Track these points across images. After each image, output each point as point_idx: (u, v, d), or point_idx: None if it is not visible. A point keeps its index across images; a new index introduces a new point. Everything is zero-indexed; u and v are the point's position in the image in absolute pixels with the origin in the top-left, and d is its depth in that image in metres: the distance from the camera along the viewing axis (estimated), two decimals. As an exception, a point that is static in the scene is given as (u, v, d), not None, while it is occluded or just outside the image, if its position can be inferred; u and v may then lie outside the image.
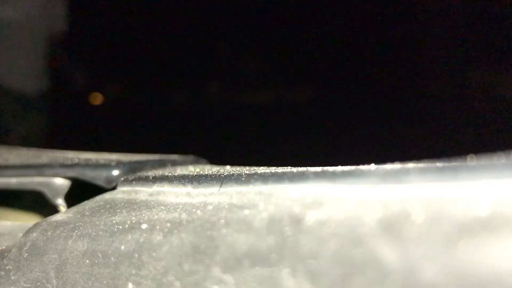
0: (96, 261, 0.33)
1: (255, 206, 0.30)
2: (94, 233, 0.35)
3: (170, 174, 0.40)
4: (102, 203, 0.40)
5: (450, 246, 0.21)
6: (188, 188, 0.37)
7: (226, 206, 0.31)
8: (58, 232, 0.37)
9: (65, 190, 0.47)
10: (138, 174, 0.44)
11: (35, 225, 0.40)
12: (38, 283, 0.36)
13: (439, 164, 0.27)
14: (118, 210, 0.37)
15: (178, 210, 0.34)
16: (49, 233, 0.38)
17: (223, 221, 0.30)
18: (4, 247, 0.40)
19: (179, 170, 0.46)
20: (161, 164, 0.49)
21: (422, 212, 0.23)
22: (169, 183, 0.38)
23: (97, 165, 0.46)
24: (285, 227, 0.27)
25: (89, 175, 0.46)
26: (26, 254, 0.38)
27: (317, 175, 0.30)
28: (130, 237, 0.33)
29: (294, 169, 0.33)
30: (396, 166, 0.29)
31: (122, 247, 0.33)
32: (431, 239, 0.22)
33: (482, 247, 0.21)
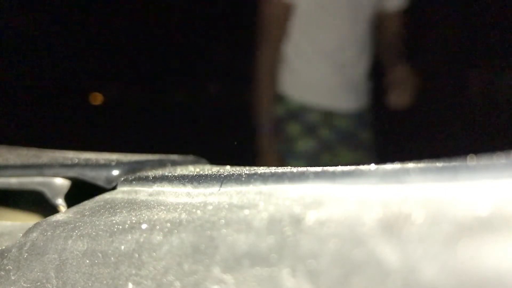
0: (96, 261, 0.33)
1: (255, 206, 0.30)
2: (94, 233, 0.35)
3: (170, 174, 0.40)
4: (102, 203, 0.40)
5: (450, 246, 0.21)
6: (188, 188, 0.37)
7: (226, 206, 0.31)
8: (58, 232, 0.37)
9: (65, 190, 0.47)
10: (138, 174, 0.44)
11: (35, 225, 0.40)
12: (38, 283, 0.36)
13: (439, 164, 0.27)
14: (118, 210, 0.37)
15: (178, 210, 0.34)
16: (49, 233, 0.38)
17: (223, 221, 0.30)
18: (4, 247, 0.40)
19: (179, 170, 0.46)
20: (161, 164, 0.49)
21: (422, 212, 0.23)
22: (169, 183, 0.38)
23: (97, 165, 0.46)
24: (285, 227, 0.27)
25: (89, 175, 0.46)
26: (26, 254, 0.38)
27: (317, 175, 0.30)
28: (130, 237, 0.33)
29: (294, 169, 0.33)
30: (396, 166, 0.29)
31: (122, 247, 0.33)
32: (431, 239, 0.22)
33: (482, 247, 0.21)
